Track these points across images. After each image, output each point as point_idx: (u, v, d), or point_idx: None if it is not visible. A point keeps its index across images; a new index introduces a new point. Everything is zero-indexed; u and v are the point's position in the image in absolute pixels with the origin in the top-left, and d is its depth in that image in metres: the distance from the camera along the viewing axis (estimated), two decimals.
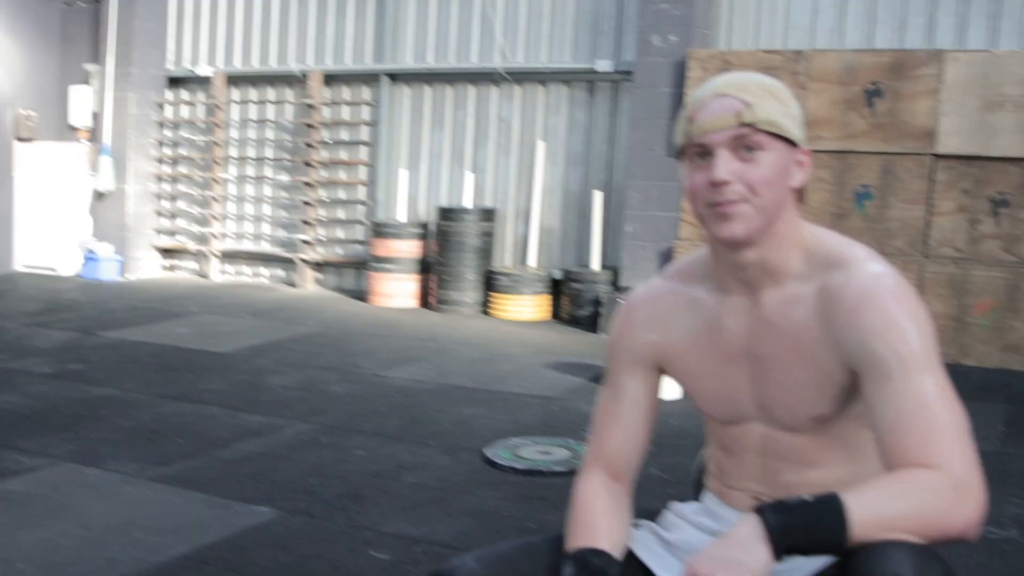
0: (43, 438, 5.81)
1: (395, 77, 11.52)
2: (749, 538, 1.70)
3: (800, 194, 2.05)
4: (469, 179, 11.01)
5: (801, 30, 9.64)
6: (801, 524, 1.70)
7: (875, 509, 1.71)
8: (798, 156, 1.99)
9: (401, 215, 11.24)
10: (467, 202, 10.94)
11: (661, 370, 2.23)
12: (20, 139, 12.84)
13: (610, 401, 2.24)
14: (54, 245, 12.74)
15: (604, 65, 10.26)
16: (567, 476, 5.35)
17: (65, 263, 12.70)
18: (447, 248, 10.44)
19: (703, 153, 1.95)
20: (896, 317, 1.87)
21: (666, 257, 9.51)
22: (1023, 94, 8.15)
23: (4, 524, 4.45)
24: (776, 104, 1.94)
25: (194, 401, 6.75)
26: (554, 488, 5.13)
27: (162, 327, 9.35)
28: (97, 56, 12.82)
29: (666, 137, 9.45)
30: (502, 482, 5.27)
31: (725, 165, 1.91)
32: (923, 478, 1.76)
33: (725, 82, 1.97)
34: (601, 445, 2.23)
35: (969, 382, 7.82)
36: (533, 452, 5.66)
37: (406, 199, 11.39)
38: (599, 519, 2.10)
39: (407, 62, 11.43)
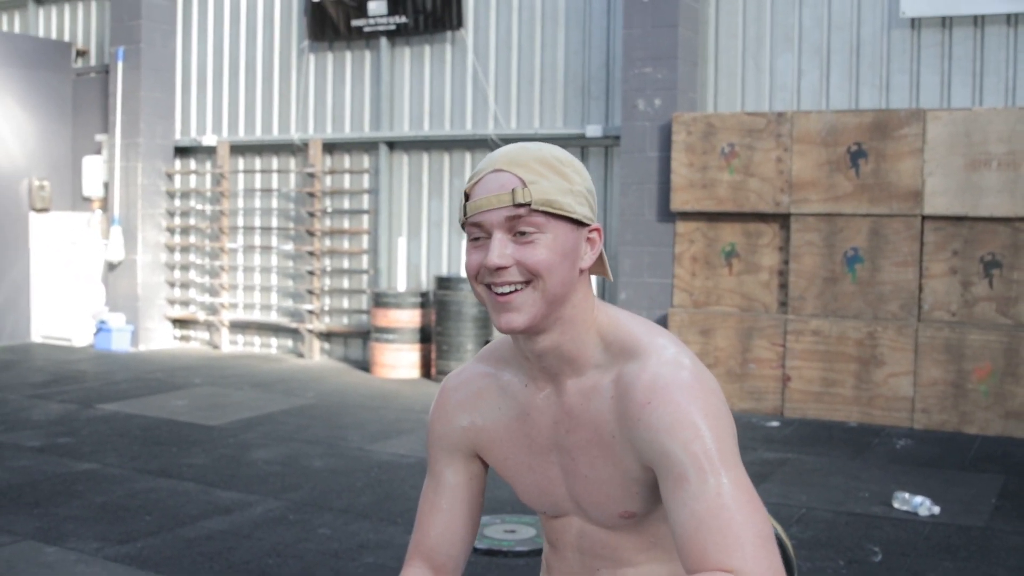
0: (12, 515, 5.87)
1: (393, 145, 11.64)
2: None
3: (602, 269, 1.95)
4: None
5: (787, 91, 9.65)
6: None
7: None
8: (587, 234, 1.86)
9: (401, 284, 11.28)
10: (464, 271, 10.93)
11: (481, 458, 2.12)
12: (35, 209, 13.06)
13: (431, 491, 2.13)
14: (69, 315, 12.91)
15: (594, 130, 10.31)
16: (529, 556, 5.32)
17: (80, 334, 12.85)
18: (446, 318, 10.44)
19: (480, 233, 1.82)
20: (687, 412, 1.74)
21: (660, 325, 9.47)
22: (1008, 152, 8.09)
23: None
24: (557, 180, 1.80)
25: (171, 476, 6.78)
26: (514, 569, 5.10)
27: (161, 399, 9.42)
28: (107, 127, 13.05)
29: (656, 202, 9.46)
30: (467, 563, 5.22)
31: (500, 248, 1.78)
32: None
33: (504, 155, 1.82)
34: (423, 537, 2.13)
35: (967, 452, 7.70)
36: (499, 531, 5.63)
37: (406, 268, 11.45)
38: None
39: (404, 130, 11.55)
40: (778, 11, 9.69)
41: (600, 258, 1.93)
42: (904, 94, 9.18)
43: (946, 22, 9.02)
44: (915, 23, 9.13)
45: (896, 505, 6.15)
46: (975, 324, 8.30)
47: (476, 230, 1.81)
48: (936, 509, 6.06)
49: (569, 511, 2.02)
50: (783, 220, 8.95)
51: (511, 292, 1.80)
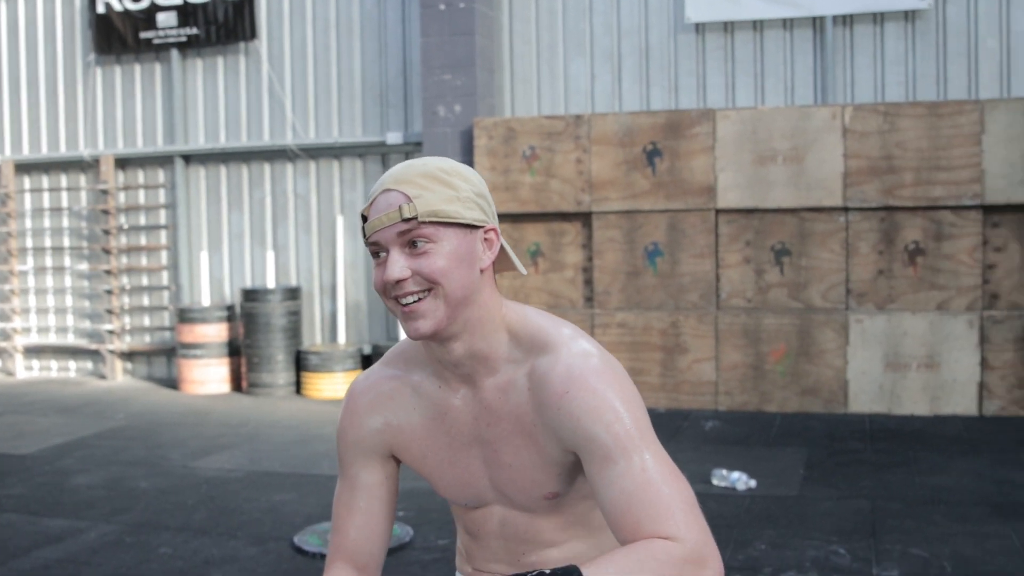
0: None
1: (189, 158, 11.46)
2: None
3: (509, 265, 2.07)
4: (271, 258, 10.99)
5: (581, 95, 10.03)
6: None
7: None
8: (482, 235, 1.96)
9: (206, 299, 11.13)
10: (271, 282, 10.90)
11: (394, 457, 2.20)
12: None
13: (346, 493, 2.20)
14: None
15: (394, 137, 10.43)
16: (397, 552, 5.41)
17: None
18: (254, 330, 10.36)
19: (379, 251, 1.93)
20: (605, 397, 1.87)
21: None
22: (792, 147, 8.66)
23: None
24: (442, 190, 1.91)
25: None
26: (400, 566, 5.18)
27: None
28: None
29: None
30: (310, 569, 5.29)
31: (397, 262, 1.89)
32: (659, 548, 1.77)
33: (391, 175, 1.94)
34: (342, 539, 2.19)
35: (770, 429, 8.21)
36: None
37: (209, 282, 11.30)
38: None
39: (200, 143, 11.40)
40: (569, 18, 10.05)
41: (503, 255, 2.05)
42: (692, 95, 9.68)
43: (728, 27, 9.57)
44: (699, 28, 9.64)
45: (715, 482, 6.54)
46: (769, 309, 8.84)
47: (376, 248, 1.92)
48: (753, 483, 6.48)
49: (491, 500, 2.13)
50: (585, 219, 9.30)
51: (415, 301, 1.90)
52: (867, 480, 6.63)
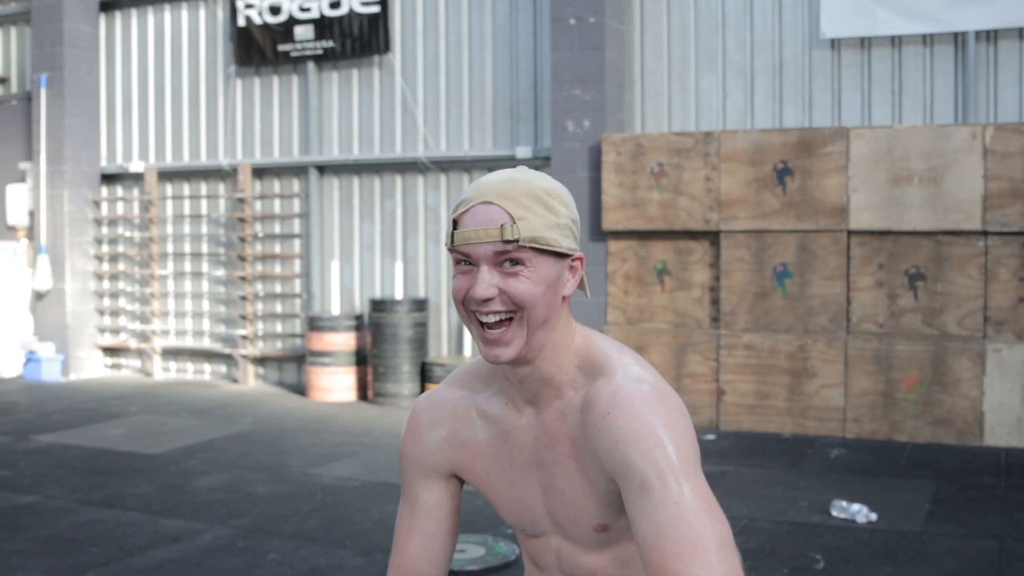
0: None
1: (323, 169, 11.67)
2: None
3: (582, 288, 2.00)
4: (400, 269, 11.10)
5: (712, 111, 9.88)
6: None
7: None
8: (570, 262, 1.93)
9: (336, 307, 11.30)
10: (399, 293, 11.01)
11: (457, 477, 2.16)
12: None
13: (407, 513, 2.18)
14: None
15: (524, 152, 10.45)
16: (483, 575, 5.39)
17: (7, 364, 12.65)
18: (381, 340, 10.47)
19: (464, 260, 1.87)
20: (649, 424, 1.79)
21: None
22: (928, 168, 8.36)
23: None
24: (545, 215, 1.86)
25: (116, 507, 6.75)
26: None
27: (97, 429, 9.33)
28: (31, 154, 12.90)
29: (588, 222, 9.60)
30: None
31: (487, 280, 1.84)
32: None
33: (493, 187, 1.87)
34: (401, 559, 2.17)
35: (899, 459, 7.93)
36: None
37: (339, 291, 11.47)
38: None
39: (334, 154, 11.59)
40: (702, 33, 9.91)
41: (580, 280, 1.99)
42: (826, 113, 9.45)
43: (865, 42, 9.31)
44: (835, 44, 9.41)
45: (834, 513, 6.33)
46: (902, 335, 8.55)
47: (463, 257, 1.87)
48: (873, 516, 6.25)
49: (547, 530, 2.07)
50: (713, 237, 9.15)
51: (499, 327, 1.87)
52: (997, 518, 6.34)
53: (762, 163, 8.85)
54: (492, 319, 1.87)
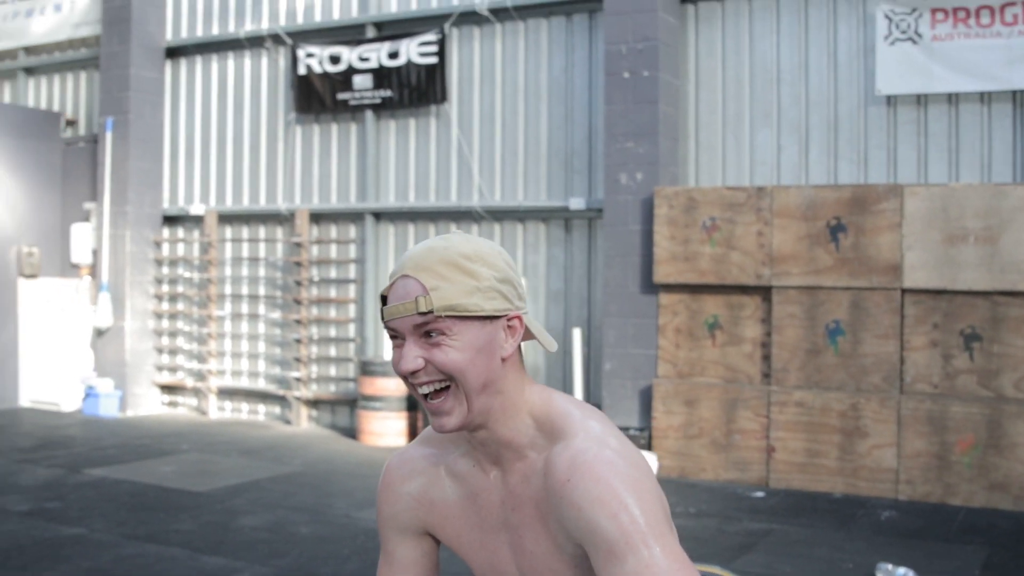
0: None
1: (379, 215, 11.78)
2: None
3: (536, 340, 1.99)
4: None
5: (767, 166, 9.85)
6: None
7: None
8: (505, 324, 1.91)
9: (388, 353, 11.36)
10: None
11: (432, 535, 2.17)
12: (24, 276, 13.14)
13: (385, 568, 2.20)
14: (57, 381, 12.93)
15: (577, 203, 10.47)
16: None
17: (68, 399, 12.86)
18: None
19: (395, 335, 1.90)
20: (612, 488, 1.77)
21: (645, 395, 9.56)
22: (985, 227, 8.27)
23: None
24: (463, 280, 1.86)
25: (159, 542, 6.82)
26: None
27: (148, 465, 9.44)
28: (95, 195, 13.18)
29: (640, 274, 9.59)
30: None
31: (412, 353, 1.86)
32: None
33: (412, 259, 1.89)
34: None
35: (952, 524, 7.77)
36: None
37: None
38: None
39: (390, 201, 11.71)
40: (757, 88, 9.91)
41: (527, 335, 1.97)
42: (882, 169, 9.39)
43: (921, 100, 9.25)
44: (891, 100, 9.36)
45: None
46: (957, 396, 8.42)
47: (393, 332, 1.89)
48: None
49: None
50: (765, 292, 9.10)
51: (437, 397, 1.88)
52: None
53: (815, 219, 8.80)
54: (427, 389, 1.89)
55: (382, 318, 1.90)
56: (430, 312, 1.83)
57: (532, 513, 1.95)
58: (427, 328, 1.85)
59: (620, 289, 9.74)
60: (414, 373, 1.87)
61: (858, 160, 9.49)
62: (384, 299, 1.91)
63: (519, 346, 1.95)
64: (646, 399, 9.56)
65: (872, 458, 8.61)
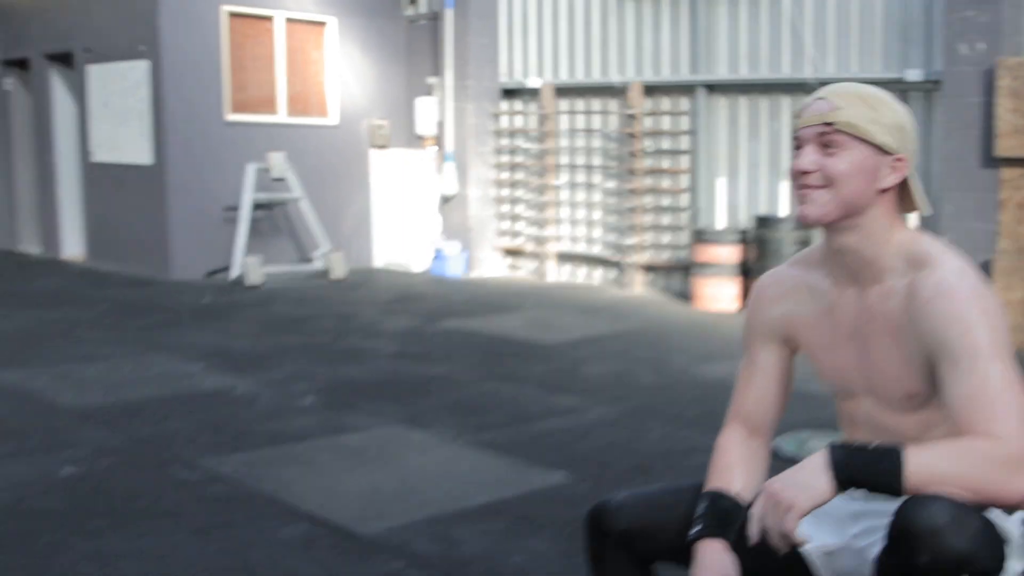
0: (380, 403, 6.77)
1: (712, 88, 11.90)
2: (817, 467, 2.05)
3: (910, 205, 2.32)
4: (784, 188, 11.23)
5: None
6: (861, 464, 2.01)
7: (930, 464, 1.98)
8: (891, 161, 2.26)
9: (720, 222, 11.62)
10: (784, 211, 11.16)
11: (790, 344, 2.55)
12: (375, 146, 14.19)
13: (746, 369, 2.60)
14: (407, 244, 13.99)
15: (914, 75, 10.18)
16: None
17: (416, 260, 13.89)
18: (765, 255, 10.64)
19: (799, 144, 2.29)
20: (968, 310, 2.12)
21: (984, 270, 9.36)
22: None
23: (340, 468, 5.38)
24: (864, 111, 2.23)
25: (514, 382, 7.48)
26: None
27: (496, 319, 10.19)
28: (438, 70, 13.99)
29: (980, 148, 9.32)
30: (781, 469, 5.59)
31: (807, 156, 2.25)
32: (980, 445, 2.01)
33: (830, 87, 2.30)
34: (739, 405, 2.60)
35: None
36: (819, 445, 5.91)
37: (725, 206, 11.75)
38: (734, 467, 2.51)
39: (722, 73, 11.80)
40: None
41: (907, 190, 2.32)
42: None
43: None
44: None
45: None
46: None
47: (798, 142, 2.29)
48: None
49: (859, 391, 2.42)
50: None
51: (810, 189, 2.27)
52: None
53: None
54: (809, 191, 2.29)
55: (793, 130, 2.31)
56: (831, 124, 2.23)
57: (883, 328, 2.31)
58: (826, 139, 2.24)
59: (959, 163, 9.51)
60: (804, 174, 2.27)
61: None
62: (796, 116, 2.33)
63: (897, 188, 2.30)
64: (985, 274, 9.38)
65: None
